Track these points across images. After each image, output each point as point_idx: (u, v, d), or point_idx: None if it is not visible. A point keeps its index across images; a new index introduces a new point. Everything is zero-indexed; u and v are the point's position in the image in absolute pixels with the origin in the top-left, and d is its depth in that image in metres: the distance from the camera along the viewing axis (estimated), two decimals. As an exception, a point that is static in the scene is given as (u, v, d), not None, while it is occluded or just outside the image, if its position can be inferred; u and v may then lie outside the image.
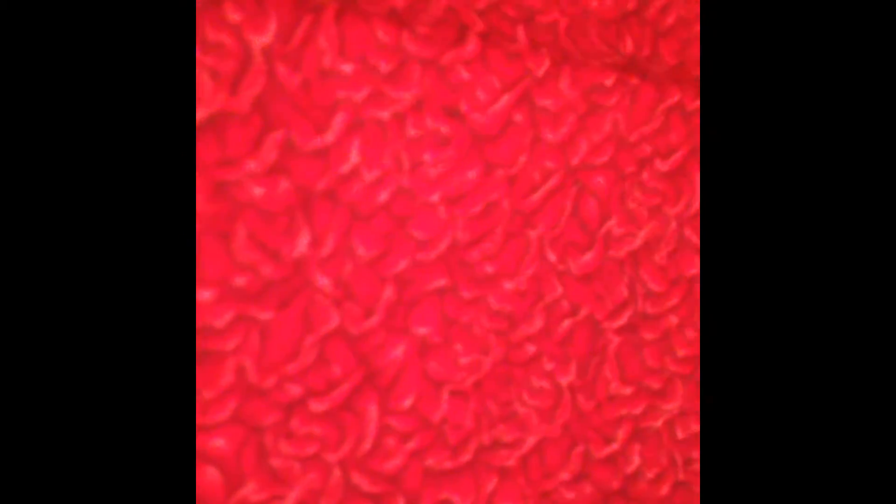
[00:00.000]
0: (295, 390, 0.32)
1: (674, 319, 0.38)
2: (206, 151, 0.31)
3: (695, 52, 0.39)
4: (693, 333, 0.38)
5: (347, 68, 0.32)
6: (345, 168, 0.33)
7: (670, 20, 0.39)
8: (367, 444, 0.33)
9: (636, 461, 0.37)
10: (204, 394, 0.31)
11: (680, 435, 0.38)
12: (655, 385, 0.38)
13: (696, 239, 0.39)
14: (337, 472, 0.33)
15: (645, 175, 0.38)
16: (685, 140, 0.38)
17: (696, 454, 0.38)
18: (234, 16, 0.31)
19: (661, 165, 0.38)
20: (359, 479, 0.33)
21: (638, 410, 0.38)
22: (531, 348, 0.36)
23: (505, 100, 0.35)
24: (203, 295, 0.31)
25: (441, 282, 0.34)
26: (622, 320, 0.37)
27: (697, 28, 0.40)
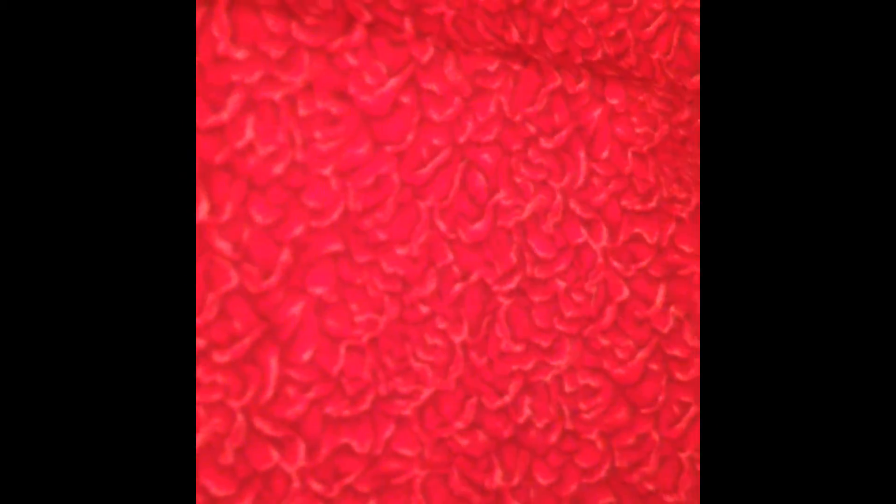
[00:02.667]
0: (199, 343, 0.36)
1: (561, 284, 0.42)
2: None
3: (579, 41, 0.43)
4: (580, 296, 0.42)
5: (240, 55, 0.37)
6: (240, 143, 0.37)
7: (556, 12, 0.43)
8: (268, 393, 0.37)
9: (526, 412, 0.41)
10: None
11: (568, 388, 0.41)
12: (544, 343, 0.41)
13: (580, 210, 0.42)
14: (240, 418, 0.37)
15: (530, 152, 0.42)
16: (568, 121, 0.42)
17: (584, 405, 0.42)
18: (133, 9, 0.35)
19: (546, 143, 0.42)
20: (261, 425, 0.37)
21: (528, 366, 0.41)
22: (424, 309, 0.40)
23: (392, 83, 0.39)
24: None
25: (335, 247, 0.38)
26: (512, 284, 0.41)
27: (582, 19, 0.44)
